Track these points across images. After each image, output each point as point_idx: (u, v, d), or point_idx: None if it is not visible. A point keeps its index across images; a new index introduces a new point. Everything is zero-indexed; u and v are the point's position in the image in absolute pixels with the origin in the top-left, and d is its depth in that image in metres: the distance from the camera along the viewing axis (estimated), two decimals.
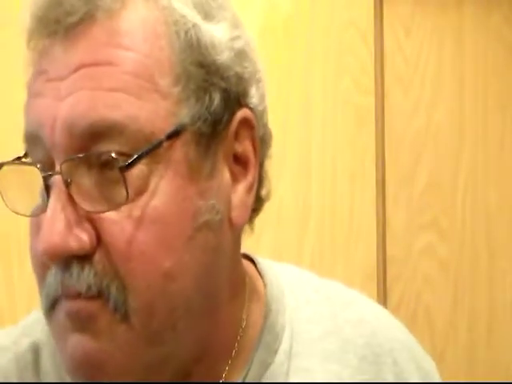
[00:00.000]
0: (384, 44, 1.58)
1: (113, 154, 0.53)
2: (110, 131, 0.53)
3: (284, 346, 0.64)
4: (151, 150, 0.54)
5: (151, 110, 0.54)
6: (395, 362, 0.67)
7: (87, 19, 0.54)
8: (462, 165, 1.61)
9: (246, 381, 0.62)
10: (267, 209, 0.63)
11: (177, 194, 0.55)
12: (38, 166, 0.55)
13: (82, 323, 0.55)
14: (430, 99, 1.60)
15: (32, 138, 0.56)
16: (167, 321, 0.56)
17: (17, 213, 0.58)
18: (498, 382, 1.57)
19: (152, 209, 0.54)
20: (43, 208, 0.55)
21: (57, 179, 0.54)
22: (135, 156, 0.53)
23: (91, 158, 0.54)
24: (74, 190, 0.54)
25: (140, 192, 0.54)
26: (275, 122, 0.60)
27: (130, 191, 0.53)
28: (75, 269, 0.54)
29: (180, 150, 0.56)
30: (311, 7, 1.54)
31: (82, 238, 0.54)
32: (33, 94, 0.56)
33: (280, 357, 0.63)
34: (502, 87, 1.63)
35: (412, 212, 1.59)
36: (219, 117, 0.57)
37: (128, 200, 0.54)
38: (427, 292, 1.59)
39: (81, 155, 0.54)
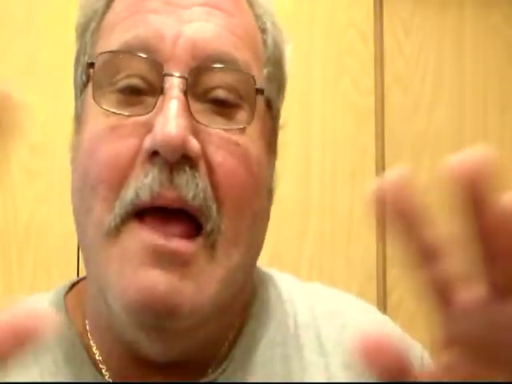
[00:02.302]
0: (384, 44, 1.58)
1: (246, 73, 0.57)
2: (229, 66, 0.57)
3: (269, 333, 0.64)
4: (257, 100, 0.58)
5: (258, 68, 0.60)
6: None
7: None
8: None
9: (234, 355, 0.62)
10: None
11: (262, 155, 0.60)
12: (157, 63, 0.56)
13: (171, 263, 0.53)
14: (430, 99, 1.60)
15: (139, 45, 0.57)
16: (242, 261, 0.57)
17: (108, 110, 0.56)
18: (497, 382, 1.57)
19: (251, 149, 0.58)
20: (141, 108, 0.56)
21: (178, 82, 0.55)
22: (261, 86, 0.58)
23: (212, 80, 0.57)
24: (189, 99, 0.55)
25: (242, 131, 0.57)
26: None
27: (234, 127, 0.57)
28: (187, 171, 0.54)
29: (265, 120, 0.61)
30: (311, 7, 1.54)
31: (197, 142, 0.55)
32: (145, 9, 0.58)
33: (264, 341, 0.63)
34: (502, 87, 1.63)
35: None
36: (277, 105, 0.65)
37: (240, 129, 0.57)
38: None
39: (203, 70, 0.56)
